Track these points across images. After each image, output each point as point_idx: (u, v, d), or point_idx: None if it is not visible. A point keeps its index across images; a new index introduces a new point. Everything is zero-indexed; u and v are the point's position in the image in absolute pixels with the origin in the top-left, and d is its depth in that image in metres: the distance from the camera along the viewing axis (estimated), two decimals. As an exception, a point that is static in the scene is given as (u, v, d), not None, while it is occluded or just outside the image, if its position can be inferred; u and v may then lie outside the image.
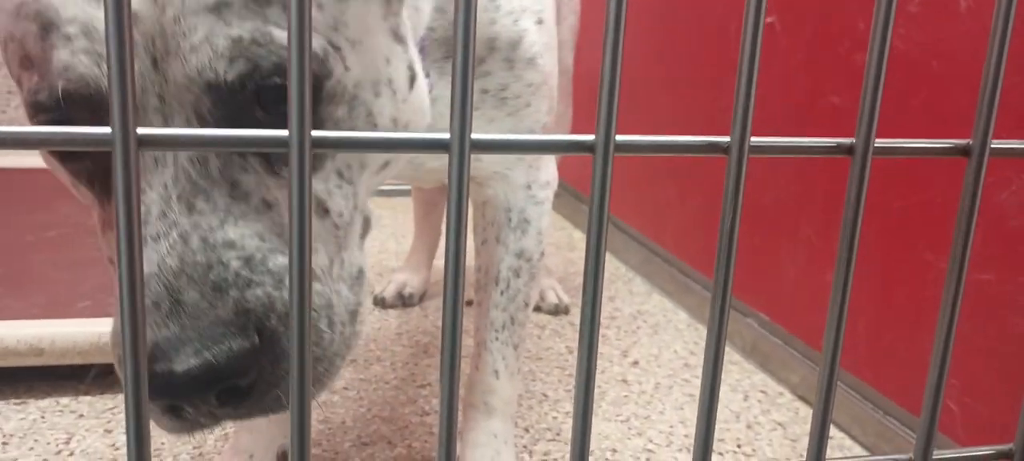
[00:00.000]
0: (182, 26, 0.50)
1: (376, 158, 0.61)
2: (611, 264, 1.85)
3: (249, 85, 0.51)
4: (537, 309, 1.55)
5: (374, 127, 0.58)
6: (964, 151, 0.41)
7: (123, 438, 1.04)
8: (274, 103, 0.52)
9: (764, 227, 1.35)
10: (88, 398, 1.13)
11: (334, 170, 0.57)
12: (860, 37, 1.14)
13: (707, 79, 1.54)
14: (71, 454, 0.99)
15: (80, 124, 0.33)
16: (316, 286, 0.54)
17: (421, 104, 0.63)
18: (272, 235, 0.53)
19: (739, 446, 1.11)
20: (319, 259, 0.56)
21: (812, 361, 1.25)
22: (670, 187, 1.67)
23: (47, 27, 0.50)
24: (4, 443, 1.01)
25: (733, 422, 1.17)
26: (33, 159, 1.98)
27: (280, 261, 0.53)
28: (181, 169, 0.51)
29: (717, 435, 1.13)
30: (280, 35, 0.51)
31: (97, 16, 0.49)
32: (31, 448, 1.00)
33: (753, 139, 0.36)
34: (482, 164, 0.84)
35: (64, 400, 1.12)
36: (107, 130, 0.28)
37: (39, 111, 0.52)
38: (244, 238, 0.51)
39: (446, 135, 0.31)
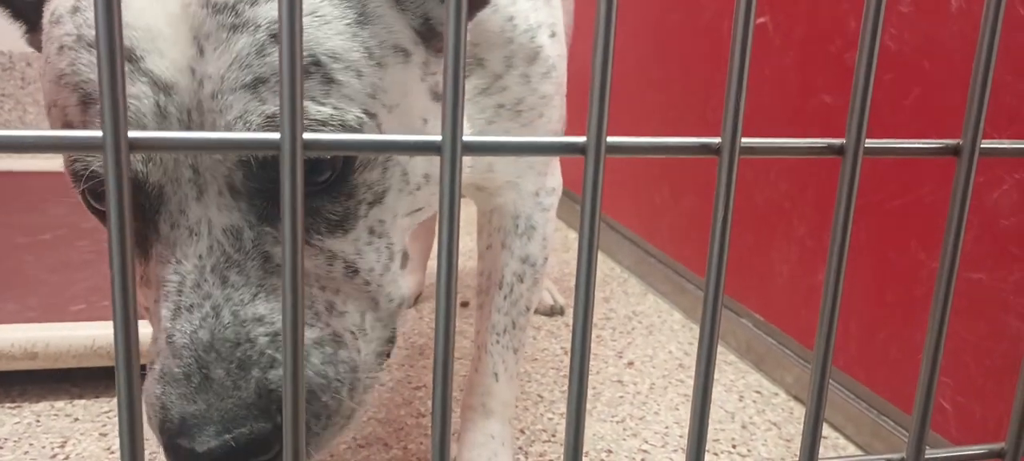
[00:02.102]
0: (219, 102, 0.51)
1: (406, 205, 0.61)
2: (606, 265, 1.86)
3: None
4: (532, 310, 1.55)
5: (408, 184, 0.59)
6: (954, 151, 0.41)
7: (118, 442, 1.03)
8: (307, 174, 0.54)
9: (757, 227, 1.35)
10: (83, 402, 1.12)
11: (365, 229, 0.58)
12: (852, 36, 1.14)
13: (699, 79, 1.54)
14: (66, 458, 0.99)
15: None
16: (341, 353, 0.56)
17: None
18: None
19: (734, 446, 1.11)
20: (350, 319, 0.58)
21: (806, 361, 1.25)
22: (664, 188, 1.68)
23: (86, 101, 0.52)
24: (-2, 447, 1.01)
25: (728, 422, 1.18)
26: (26, 162, 1.98)
27: (306, 336, 0.54)
28: (215, 241, 0.53)
29: (712, 435, 1.13)
30: (314, 109, 0.52)
31: (132, 92, 0.50)
32: (26, 452, 1.00)
33: (744, 140, 0.36)
34: (494, 175, 0.84)
35: (59, 404, 1.12)
36: (98, 133, 0.28)
37: (78, 181, 0.54)
38: (273, 312, 0.53)
39: (437, 137, 0.31)
